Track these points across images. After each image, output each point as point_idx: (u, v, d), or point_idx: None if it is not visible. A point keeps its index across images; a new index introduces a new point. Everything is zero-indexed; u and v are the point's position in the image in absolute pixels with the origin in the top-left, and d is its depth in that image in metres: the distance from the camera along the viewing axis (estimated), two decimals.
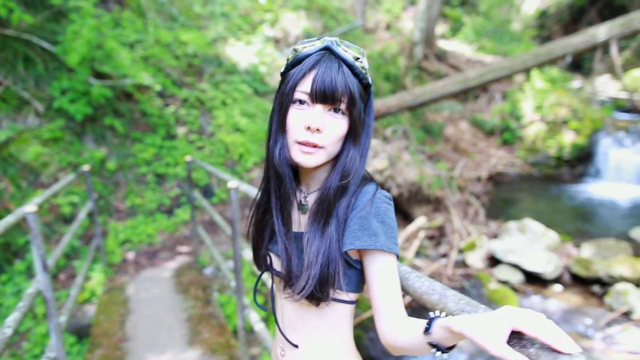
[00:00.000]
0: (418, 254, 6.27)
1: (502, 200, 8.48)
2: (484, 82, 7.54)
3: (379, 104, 7.57)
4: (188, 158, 4.65)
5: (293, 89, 0.94)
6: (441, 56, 11.85)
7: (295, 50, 0.97)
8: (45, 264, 2.29)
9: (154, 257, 5.08)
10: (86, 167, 4.34)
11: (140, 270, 4.73)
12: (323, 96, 0.91)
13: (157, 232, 5.44)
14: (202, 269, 4.69)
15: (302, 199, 1.05)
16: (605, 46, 6.60)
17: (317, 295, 0.95)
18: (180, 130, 6.49)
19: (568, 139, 9.54)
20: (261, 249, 1.12)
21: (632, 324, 4.61)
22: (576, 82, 12.38)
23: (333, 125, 0.94)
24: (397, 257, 0.95)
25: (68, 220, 4.82)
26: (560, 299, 5.20)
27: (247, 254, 2.81)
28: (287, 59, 0.99)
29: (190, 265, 4.81)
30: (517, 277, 5.53)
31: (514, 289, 5.38)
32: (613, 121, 9.61)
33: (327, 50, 0.94)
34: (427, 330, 0.78)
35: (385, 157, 6.75)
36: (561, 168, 9.61)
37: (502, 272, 5.65)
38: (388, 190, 1.05)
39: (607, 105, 10.51)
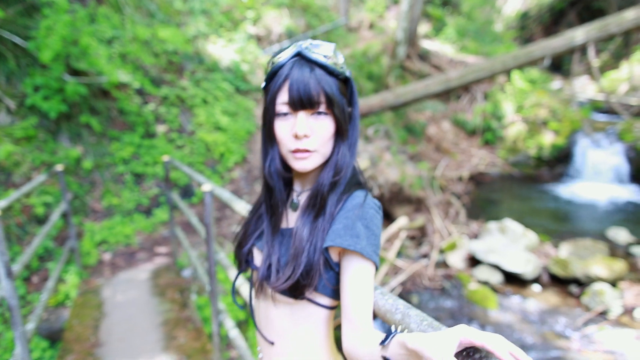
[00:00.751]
0: (399, 254, 6.27)
1: (483, 200, 8.55)
2: (465, 82, 7.59)
3: (361, 103, 7.55)
4: (165, 158, 4.55)
5: (273, 102, 0.97)
6: (424, 56, 11.88)
7: (271, 62, 0.99)
8: (10, 270, 2.20)
9: (131, 258, 4.97)
10: (59, 167, 4.22)
11: (117, 272, 4.62)
12: (301, 103, 0.93)
13: (134, 232, 5.33)
14: (180, 270, 4.61)
15: (295, 197, 1.07)
16: (583, 49, 6.69)
17: (302, 283, 0.94)
18: (160, 129, 6.37)
19: (548, 139, 9.66)
20: (245, 246, 1.13)
21: (608, 324, 4.69)
22: (556, 83, 12.57)
23: (319, 128, 0.96)
24: (376, 268, 0.94)
25: (41, 221, 4.68)
26: (538, 299, 5.26)
27: (222, 257, 2.75)
28: (265, 71, 1.00)
29: (168, 266, 4.72)
30: (496, 278, 5.58)
31: (494, 289, 5.42)
32: (591, 122, 9.76)
33: (299, 55, 0.95)
34: (383, 342, 0.77)
35: (367, 157, 6.74)
36: (541, 168, 9.73)
37: (482, 272, 5.69)
38: (369, 191, 1.05)
39: (586, 106, 10.68)
